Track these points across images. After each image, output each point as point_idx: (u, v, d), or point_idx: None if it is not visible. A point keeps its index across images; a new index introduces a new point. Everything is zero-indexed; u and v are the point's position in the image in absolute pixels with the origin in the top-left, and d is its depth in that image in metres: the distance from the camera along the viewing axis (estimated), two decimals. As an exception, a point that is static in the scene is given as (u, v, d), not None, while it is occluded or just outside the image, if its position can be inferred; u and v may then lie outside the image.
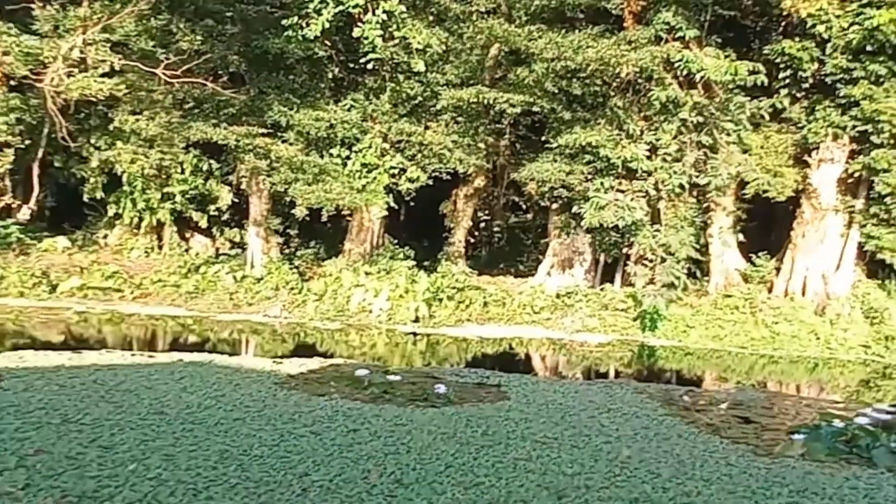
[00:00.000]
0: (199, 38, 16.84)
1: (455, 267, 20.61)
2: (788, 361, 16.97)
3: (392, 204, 18.76)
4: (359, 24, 14.99)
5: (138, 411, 8.04)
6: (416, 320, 17.72)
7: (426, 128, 18.14)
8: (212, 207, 22.23)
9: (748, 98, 17.87)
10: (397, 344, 16.09)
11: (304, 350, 14.09)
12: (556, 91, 16.45)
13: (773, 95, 20.16)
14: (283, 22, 15.35)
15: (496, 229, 26.63)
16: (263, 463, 6.61)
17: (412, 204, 21.92)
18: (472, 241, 28.38)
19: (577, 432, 8.45)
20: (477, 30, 15.49)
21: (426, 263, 22.03)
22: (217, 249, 22.94)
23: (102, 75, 17.27)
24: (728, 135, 17.19)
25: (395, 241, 20.80)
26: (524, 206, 25.42)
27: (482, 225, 27.23)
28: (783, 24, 19.75)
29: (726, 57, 19.84)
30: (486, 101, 16.22)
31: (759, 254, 22.77)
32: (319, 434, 7.63)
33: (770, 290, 20.58)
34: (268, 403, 8.81)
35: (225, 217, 23.12)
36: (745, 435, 9.06)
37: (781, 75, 19.40)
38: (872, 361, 17.06)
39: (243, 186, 20.70)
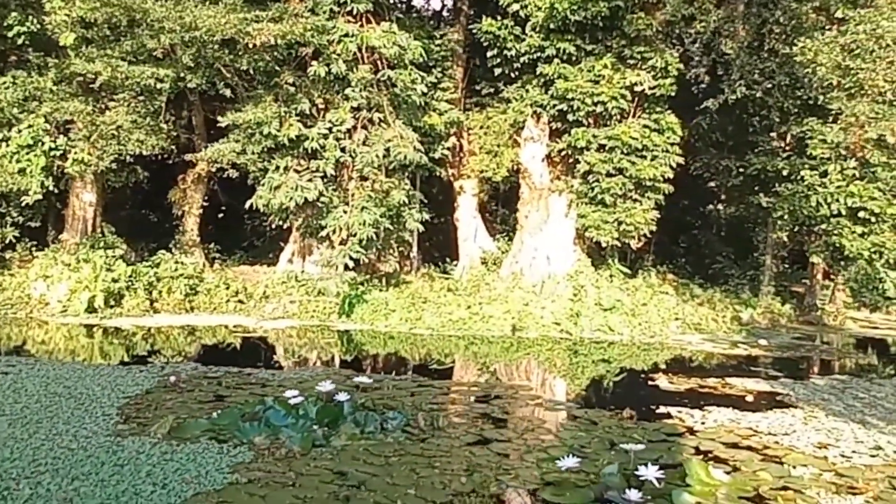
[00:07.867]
0: None
1: (171, 256, 19.77)
2: (484, 342, 16.69)
3: (49, 188, 17.70)
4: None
5: None
6: (94, 311, 16.86)
7: (105, 108, 17.24)
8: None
9: (423, 75, 17.49)
10: (58, 338, 15.07)
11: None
12: (195, 64, 15.74)
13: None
14: None
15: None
16: None
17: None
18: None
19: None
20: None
21: (162, 253, 21.14)
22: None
23: None
24: (398, 111, 16.83)
25: (114, 231, 19.77)
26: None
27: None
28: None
29: (442, 36, 19.64)
30: (120, 77, 15.41)
31: (498, 236, 22.82)
32: None
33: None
34: None
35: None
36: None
37: (489, 54, 19.28)
38: (562, 339, 16.94)
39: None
